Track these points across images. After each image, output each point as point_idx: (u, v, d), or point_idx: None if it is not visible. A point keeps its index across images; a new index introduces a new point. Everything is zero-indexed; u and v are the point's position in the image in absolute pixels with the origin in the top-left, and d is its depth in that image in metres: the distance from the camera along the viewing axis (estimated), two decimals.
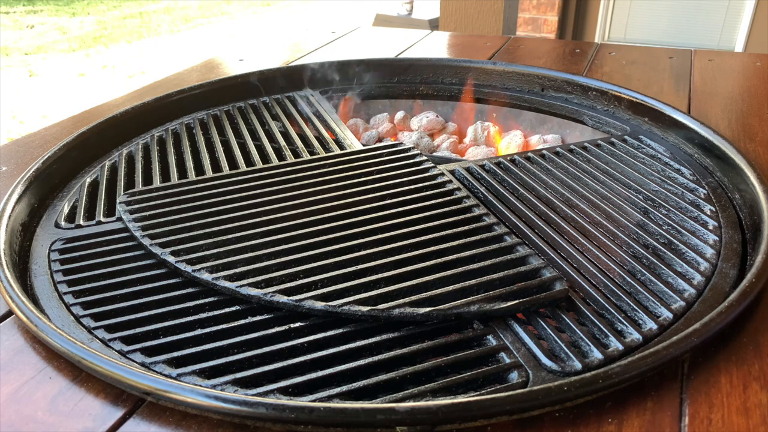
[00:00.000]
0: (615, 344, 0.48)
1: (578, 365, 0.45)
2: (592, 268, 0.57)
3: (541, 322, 0.50)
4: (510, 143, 0.94)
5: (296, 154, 0.82)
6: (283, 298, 0.52)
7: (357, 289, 0.53)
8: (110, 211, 0.69)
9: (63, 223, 0.66)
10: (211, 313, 0.52)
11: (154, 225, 0.63)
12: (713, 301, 0.53)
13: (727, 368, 0.45)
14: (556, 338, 0.48)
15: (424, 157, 0.77)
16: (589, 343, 0.48)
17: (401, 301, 0.51)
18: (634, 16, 2.43)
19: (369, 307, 0.50)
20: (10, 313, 0.52)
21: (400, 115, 1.02)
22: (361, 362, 0.46)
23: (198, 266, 0.56)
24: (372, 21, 3.39)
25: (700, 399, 0.43)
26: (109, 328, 0.50)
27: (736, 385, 0.44)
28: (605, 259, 0.58)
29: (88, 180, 0.75)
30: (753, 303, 0.51)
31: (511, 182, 0.72)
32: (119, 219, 0.66)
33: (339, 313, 0.51)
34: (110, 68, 4.15)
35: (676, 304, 0.52)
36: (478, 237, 0.60)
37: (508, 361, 0.47)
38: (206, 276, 0.55)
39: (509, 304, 0.51)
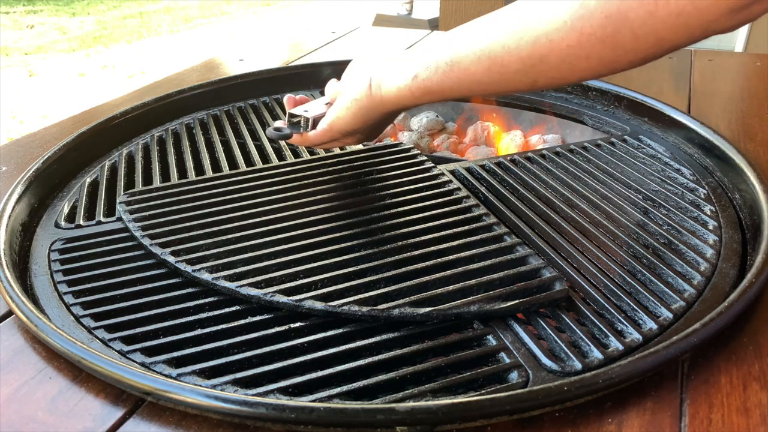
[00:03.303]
0: (615, 344, 0.48)
1: (578, 365, 0.45)
2: (592, 268, 0.57)
3: (541, 322, 0.50)
4: (510, 143, 0.94)
5: (296, 154, 0.82)
6: (283, 298, 0.52)
7: (357, 289, 0.53)
8: (110, 211, 0.68)
9: (63, 223, 0.66)
10: (211, 313, 0.52)
11: (154, 225, 0.63)
12: (713, 301, 0.53)
13: (727, 368, 0.46)
14: (556, 338, 0.48)
15: (424, 157, 0.77)
16: (589, 343, 0.48)
17: (401, 301, 0.51)
18: None
19: (369, 307, 0.50)
20: (10, 313, 0.52)
21: (400, 115, 1.02)
22: (361, 362, 0.46)
23: (198, 266, 0.56)
24: (372, 21, 3.39)
25: (700, 399, 0.43)
26: (109, 328, 0.50)
27: (736, 385, 0.44)
28: (605, 259, 0.58)
29: (88, 180, 0.75)
30: (753, 303, 0.51)
31: (512, 182, 0.72)
32: (119, 219, 0.66)
33: (339, 313, 0.51)
34: (110, 68, 4.15)
35: (676, 304, 0.52)
36: (478, 237, 0.61)
37: (508, 361, 0.47)
38: (206, 276, 0.55)
39: (509, 304, 0.51)
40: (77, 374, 0.46)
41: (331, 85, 0.69)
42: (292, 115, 0.67)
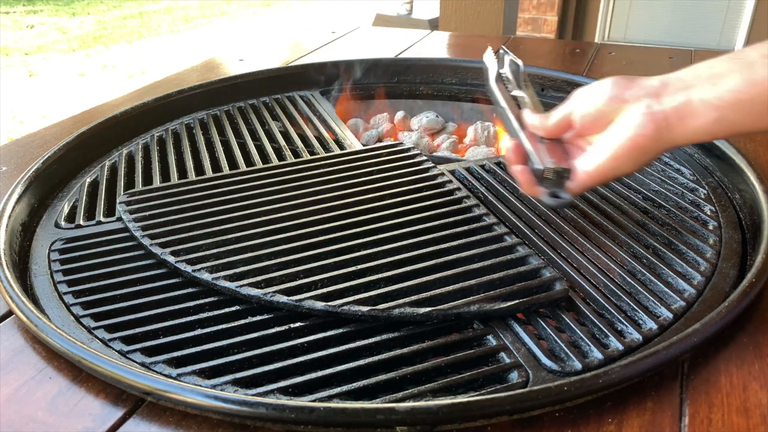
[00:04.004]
0: (615, 344, 0.48)
1: (578, 365, 0.45)
2: (592, 268, 0.57)
3: (541, 322, 0.50)
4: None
5: (296, 154, 0.82)
6: (283, 298, 0.52)
7: (357, 289, 0.53)
8: (110, 211, 0.69)
9: (63, 223, 0.66)
10: (211, 313, 0.52)
11: (154, 225, 0.63)
12: (713, 301, 0.53)
13: (727, 368, 0.46)
14: (556, 338, 0.48)
15: (424, 157, 0.77)
16: (589, 343, 0.48)
17: (401, 301, 0.51)
18: (634, 16, 2.43)
19: (369, 307, 0.50)
20: (10, 313, 0.52)
21: (400, 115, 1.02)
22: (361, 362, 0.46)
23: (198, 266, 0.56)
24: (372, 21, 3.39)
25: (700, 399, 0.43)
26: (109, 328, 0.50)
27: (736, 385, 0.44)
28: (605, 259, 0.58)
29: (88, 180, 0.75)
30: (753, 303, 0.51)
31: (511, 182, 0.72)
32: (119, 219, 0.66)
33: (339, 313, 0.51)
34: (110, 68, 4.15)
35: (676, 304, 0.52)
36: (478, 237, 0.61)
37: (508, 361, 0.47)
38: (206, 276, 0.55)
39: (509, 304, 0.51)
40: (77, 374, 0.46)
41: (543, 117, 0.56)
42: (538, 171, 0.55)
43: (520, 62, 0.63)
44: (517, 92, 0.62)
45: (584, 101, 0.54)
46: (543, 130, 0.57)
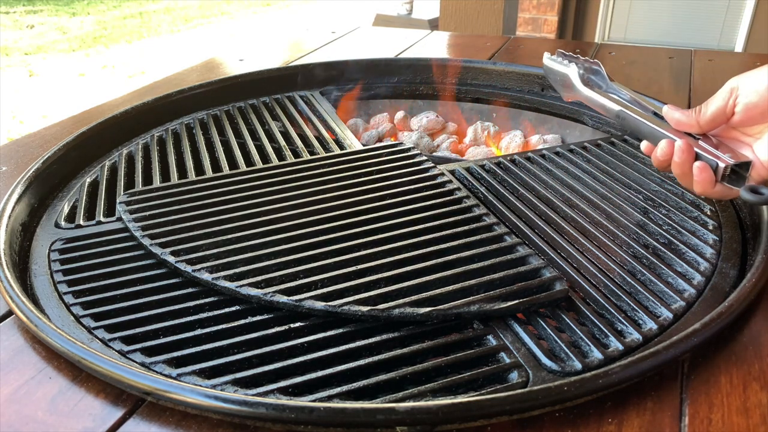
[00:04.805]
0: (615, 344, 0.48)
1: (578, 365, 0.45)
2: (592, 268, 0.57)
3: (541, 322, 0.50)
4: (510, 143, 0.94)
5: (296, 154, 0.82)
6: (283, 298, 0.52)
7: (357, 289, 0.53)
8: (110, 211, 0.69)
9: (63, 223, 0.66)
10: (211, 313, 0.52)
11: (154, 225, 0.63)
12: (713, 301, 0.53)
13: (727, 368, 0.46)
14: (556, 338, 0.48)
15: (424, 157, 0.77)
16: (589, 343, 0.48)
17: (401, 301, 0.51)
18: (634, 16, 2.43)
19: (369, 307, 0.50)
20: (10, 313, 0.52)
21: (400, 115, 1.02)
22: (361, 362, 0.46)
23: (198, 266, 0.56)
24: (372, 21, 3.40)
25: (700, 399, 0.43)
26: (109, 328, 0.50)
27: (736, 385, 0.44)
28: (605, 259, 0.58)
29: (88, 180, 0.75)
30: (753, 303, 0.51)
31: (511, 182, 0.72)
32: (119, 219, 0.66)
33: (339, 313, 0.51)
34: (110, 68, 4.15)
35: (676, 304, 0.52)
36: (478, 237, 0.61)
37: (508, 361, 0.47)
38: (206, 276, 0.55)
39: (509, 304, 0.51)
40: (77, 374, 0.46)
41: (693, 113, 0.55)
42: (721, 169, 0.52)
43: (599, 62, 0.61)
44: (614, 93, 0.60)
45: (748, 92, 0.52)
46: (697, 127, 0.54)
